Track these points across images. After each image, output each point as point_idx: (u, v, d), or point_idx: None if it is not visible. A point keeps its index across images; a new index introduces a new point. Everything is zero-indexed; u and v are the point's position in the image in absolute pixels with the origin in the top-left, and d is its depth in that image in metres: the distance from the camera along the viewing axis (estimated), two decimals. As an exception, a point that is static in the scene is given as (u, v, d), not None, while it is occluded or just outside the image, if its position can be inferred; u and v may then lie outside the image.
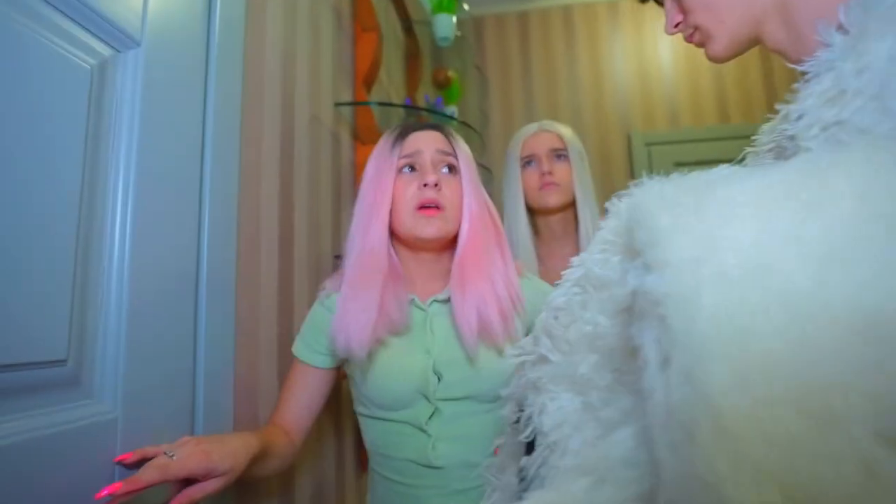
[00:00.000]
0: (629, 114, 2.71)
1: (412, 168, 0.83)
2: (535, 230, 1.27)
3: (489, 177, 2.34)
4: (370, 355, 0.79)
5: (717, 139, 2.60)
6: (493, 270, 0.82)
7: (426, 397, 0.79)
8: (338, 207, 1.42)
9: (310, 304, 1.16)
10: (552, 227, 1.22)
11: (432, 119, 1.81)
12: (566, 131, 1.22)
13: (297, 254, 1.13)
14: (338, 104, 1.39)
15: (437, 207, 0.80)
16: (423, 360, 0.80)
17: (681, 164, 2.60)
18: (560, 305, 0.45)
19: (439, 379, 0.79)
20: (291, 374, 0.86)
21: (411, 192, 0.80)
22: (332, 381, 0.88)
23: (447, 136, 0.86)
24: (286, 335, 1.06)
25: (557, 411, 0.40)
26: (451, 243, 0.86)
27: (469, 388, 0.80)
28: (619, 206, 0.43)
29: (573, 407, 0.39)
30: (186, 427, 0.72)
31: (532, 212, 1.25)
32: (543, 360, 0.44)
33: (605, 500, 0.30)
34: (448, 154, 0.84)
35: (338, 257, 1.37)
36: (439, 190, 0.80)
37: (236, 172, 0.87)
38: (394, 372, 0.79)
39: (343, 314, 0.76)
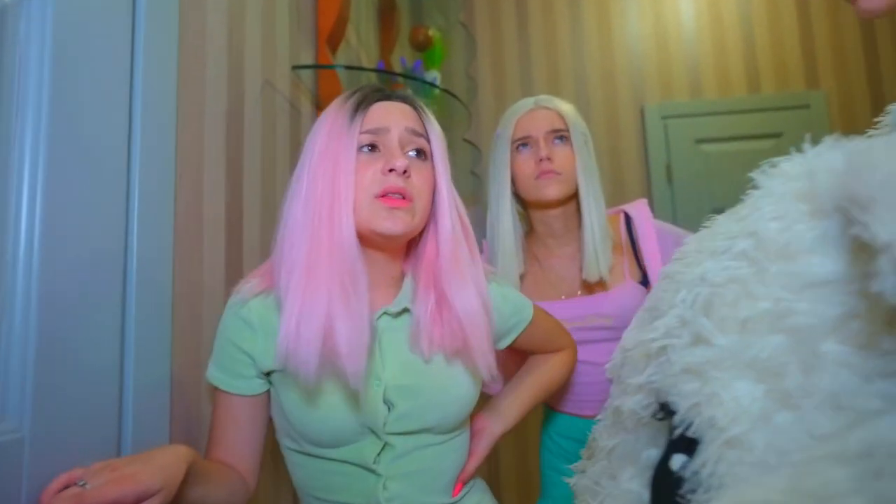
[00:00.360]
0: (643, 83, 2.73)
1: (373, 147, 0.77)
2: (530, 226, 1.26)
3: (477, 156, 2.35)
4: (294, 384, 0.74)
5: (746, 111, 2.63)
6: (472, 276, 0.79)
7: (374, 432, 0.76)
8: (297, 191, 1.41)
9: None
10: (550, 223, 1.20)
11: (408, 87, 1.81)
12: (568, 108, 1.19)
13: (249, 245, 1.12)
14: (296, 67, 1.38)
15: (404, 198, 0.75)
16: (371, 389, 0.76)
17: (703, 141, 2.62)
18: (719, 281, 0.44)
19: (389, 409, 0.76)
20: (215, 408, 0.80)
21: (371, 177, 0.75)
22: (267, 409, 0.82)
23: (418, 111, 0.81)
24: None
25: (732, 402, 0.39)
26: (407, 244, 0.84)
27: (427, 418, 0.79)
28: (797, 169, 0.45)
29: (754, 395, 0.38)
30: (112, 448, 0.71)
31: (525, 205, 1.23)
32: (701, 342, 0.42)
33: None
34: (419, 135, 0.79)
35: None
36: (408, 178, 0.75)
37: (172, 150, 0.86)
38: (335, 404, 0.73)
39: (309, 322, 0.68)
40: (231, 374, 0.78)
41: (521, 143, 1.17)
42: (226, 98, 1.05)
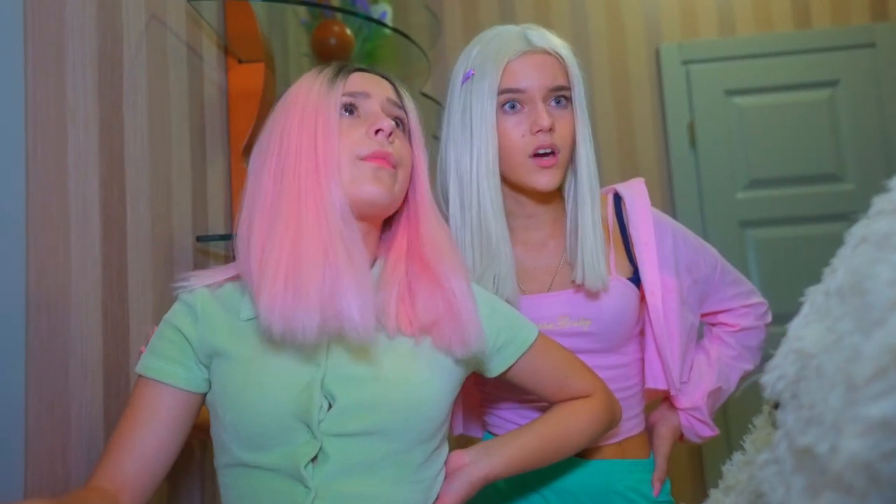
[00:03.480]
0: (659, 16, 2.77)
1: (352, 111, 0.93)
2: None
3: (442, 115, 2.36)
4: (234, 363, 0.86)
5: (792, 53, 2.69)
6: (457, 256, 0.96)
7: (309, 428, 0.83)
8: (201, 159, 1.41)
9: (157, 312, 1.17)
10: (524, 203, 1.19)
11: (348, 26, 1.81)
12: (568, 50, 1.15)
13: (134, 238, 1.13)
14: (195, -1, 1.37)
15: (390, 163, 0.90)
16: (307, 374, 0.85)
17: (736, 93, 2.68)
18: None
19: (331, 404, 0.84)
20: (132, 402, 0.89)
21: (356, 138, 0.90)
22: (192, 416, 0.91)
23: (395, 87, 0.98)
24: (118, 359, 1.06)
25: None
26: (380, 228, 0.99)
27: (371, 417, 0.84)
28: None
29: None
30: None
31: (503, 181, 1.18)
32: None
33: None
34: (398, 106, 0.96)
35: (202, 239, 1.37)
36: (392, 142, 0.91)
37: (19, 112, 0.86)
38: (264, 386, 0.84)
39: (308, 278, 0.81)
40: (166, 360, 0.89)
41: (511, 98, 1.10)
42: (96, 39, 1.04)
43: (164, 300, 1.21)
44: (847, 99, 2.65)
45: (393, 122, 0.92)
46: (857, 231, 0.58)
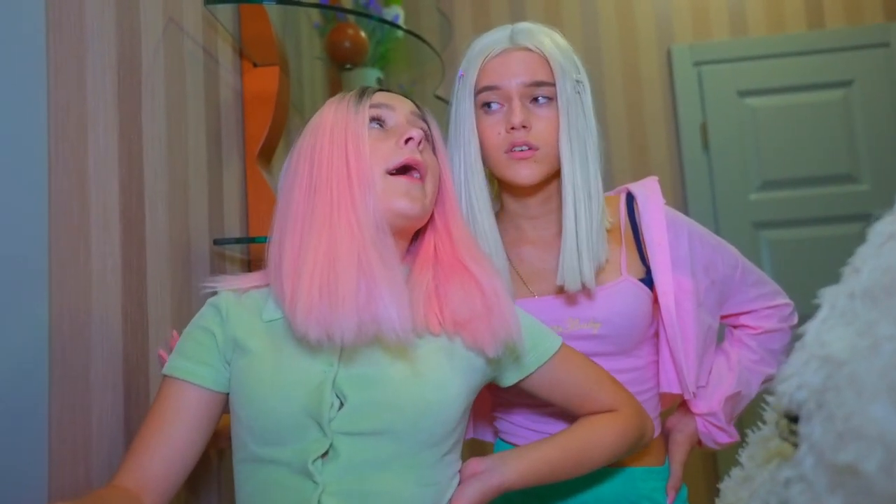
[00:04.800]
0: (671, 17, 2.76)
1: (381, 123, 0.98)
2: (500, 204, 1.24)
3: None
4: (252, 359, 0.90)
5: (805, 53, 2.69)
6: (488, 261, 0.99)
7: (320, 426, 0.85)
8: (217, 163, 1.41)
9: (175, 316, 1.18)
10: (526, 203, 1.18)
11: (362, 29, 1.81)
12: (556, 46, 1.12)
13: (153, 242, 1.13)
14: (211, 2, 1.37)
15: (420, 174, 0.95)
16: (320, 373, 0.88)
17: (748, 94, 2.67)
18: None
19: (342, 403, 0.86)
20: (158, 403, 0.92)
21: (386, 151, 0.94)
22: (216, 418, 0.94)
23: (416, 105, 1.03)
24: (137, 362, 1.06)
25: None
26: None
27: (381, 417, 0.86)
28: None
29: None
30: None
31: (492, 175, 1.20)
32: None
33: None
34: (421, 119, 1.01)
35: (219, 242, 1.37)
36: (422, 151, 0.96)
37: (42, 115, 0.86)
38: (278, 383, 0.87)
39: (344, 283, 0.84)
40: (194, 361, 0.92)
41: (488, 98, 1.11)
42: (115, 43, 1.04)
43: (182, 304, 1.21)
44: (861, 99, 2.63)
45: (422, 132, 0.96)
46: (883, 229, 0.56)
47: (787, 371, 0.58)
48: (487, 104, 1.12)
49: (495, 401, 1.23)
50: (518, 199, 1.18)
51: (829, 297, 0.59)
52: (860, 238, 0.59)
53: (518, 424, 1.18)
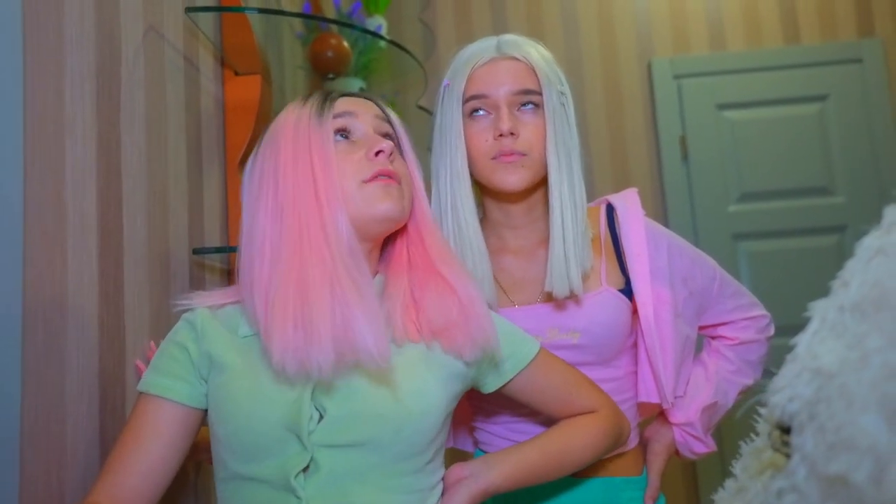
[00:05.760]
0: (651, 31, 2.79)
1: (346, 135, 0.95)
2: (482, 213, 1.24)
3: (439, 126, 2.36)
4: (229, 376, 0.88)
5: (782, 68, 2.72)
6: (461, 265, 0.99)
7: (300, 439, 0.84)
8: (197, 171, 1.40)
9: (153, 326, 1.16)
10: (510, 212, 1.18)
11: (345, 38, 1.80)
12: (542, 57, 1.14)
13: (131, 251, 1.11)
14: (191, 10, 1.36)
15: (395, 179, 0.93)
16: (299, 386, 0.86)
17: (727, 107, 2.70)
18: None
19: (322, 416, 0.85)
20: (133, 419, 0.90)
21: (356, 164, 0.91)
22: (192, 433, 0.93)
23: (381, 107, 1.00)
24: (114, 373, 1.04)
25: None
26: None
27: (368, 428, 0.85)
28: None
29: None
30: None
31: (477, 183, 1.19)
32: None
33: None
34: (385, 121, 0.99)
35: (198, 252, 1.35)
36: (392, 161, 0.94)
37: (18, 123, 0.84)
38: (256, 398, 0.85)
39: (318, 316, 0.82)
40: (169, 376, 0.90)
41: (476, 106, 1.13)
42: (94, 50, 1.03)
43: (161, 313, 1.19)
44: (836, 113, 2.68)
45: (391, 143, 0.94)
46: (870, 243, 0.56)
47: (780, 383, 0.58)
48: (475, 111, 1.13)
49: (475, 410, 1.22)
50: (502, 208, 1.19)
51: (820, 310, 0.59)
52: (836, 249, 0.60)
53: (497, 435, 1.18)
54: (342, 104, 0.95)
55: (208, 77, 1.47)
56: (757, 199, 2.65)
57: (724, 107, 2.71)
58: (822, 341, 0.56)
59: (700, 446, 1.22)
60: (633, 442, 1.18)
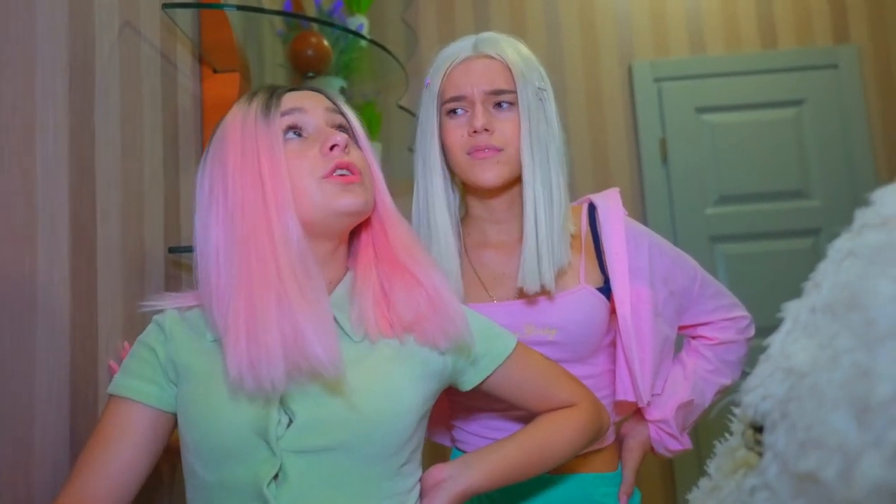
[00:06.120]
0: (632, 34, 2.80)
1: (297, 132, 0.91)
2: (464, 208, 1.25)
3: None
4: (197, 382, 0.87)
5: (759, 72, 2.74)
6: (429, 257, 0.97)
7: (268, 444, 0.82)
8: (173, 169, 1.38)
9: (127, 325, 1.14)
10: (492, 207, 1.19)
11: (325, 37, 1.79)
12: (518, 55, 1.14)
13: (104, 249, 1.09)
14: (169, 6, 1.34)
15: (354, 173, 0.90)
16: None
17: (706, 110, 2.72)
18: None
19: (291, 420, 0.83)
20: (103, 422, 0.88)
21: (311, 161, 0.88)
22: (164, 437, 0.90)
23: (329, 97, 0.97)
24: (86, 373, 1.02)
25: None
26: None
27: (339, 431, 0.83)
28: None
29: None
30: None
31: (457, 180, 1.21)
32: None
33: None
34: (337, 112, 0.95)
35: (174, 250, 1.34)
36: (349, 153, 0.90)
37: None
38: (224, 402, 0.83)
39: (264, 327, 0.81)
40: (138, 379, 0.89)
41: (453, 106, 1.14)
42: (67, 45, 1.01)
43: (135, 313, 1.18)
44: (812, 118, 2.70)
45: (345, 135, 0.91)
46: (842, 245, 0.57)
47: (753, 382, 0.59)
48: (452, 111, 1.14)
49: (454, 409, 1.22)
50: (483, 203, 1.20)
51: (793, 310, 0.60)
52: (811, 252, 0.60)
53: (476, 433, 1.18)
54: (289, 100, 0.92)
55: (186, 74, 1.46)
56: (734, 202, 2.67)
57: (703, 110, 2.72)
58: (794, 341, 0.57)
59: (675, 444, 1.22)
60: (609, 438, 1.18)
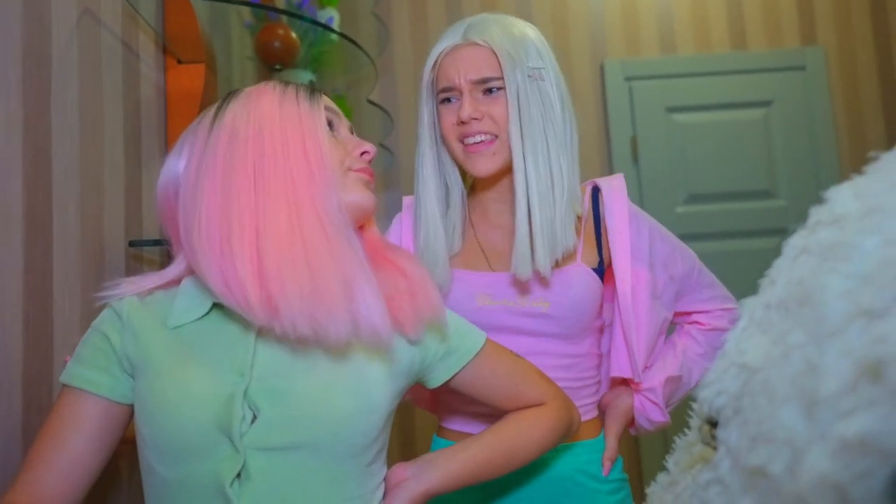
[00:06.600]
0: (603, 32, 2.81)
1: (332, 127, 0.95)
2: (471, 185, 1.27)
3: (389, 125, 2.34)
4: (155, 374, 0.84)
5: (729, 73, 2.77)
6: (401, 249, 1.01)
7: (230, 440, 0.80)
8: (135, 162, 1.35)
9: (85, 321, 1.12)
10: (494, 190, 1.21)
11: (293, 29, 1.77)
12: (504, 35, 1.13)
13: (61, 242, 1.07)
14: (132, -5, 1.31)
15: (372, 178, 0.95)
16: (230, 384, 0.82)
17: (676, 110, 2.74)
18: None
19: (255, 416, 0.82)
20: (55, 413, 0.86)
21: (342, 155, 0.92)
22: (119, 429, 0.88)
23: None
24: (39, 371, 1.00)
25: None
26: None
27: (306, 429, 0.82)
28: None
29: None
30: None
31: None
32: None
33: None
34: (353, 133, 1.01)
35: (135, 244, 1.31)
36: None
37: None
38: (185, 395, 0.82)
39: (326, 282, 0.82)
40: (92, 368, 0.86)
41: (446, 96, 1.16)
42: (21, 34, 0.98)
43: (93, 309, 1.14)
44: (779, 118, 2.74)
45: (376, 148, 0.96)
46: (796, 242, 0.58)
47: (709, 378, 0.59)
48: (447, 99, 1.16)
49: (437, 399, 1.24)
50: (485, 184, 1.22)
51: (748, 307, 0.61)
52: (777, 251, 0.61)
53: (458, 430, 1.18)
54: (328, 101, 0.96)
55: (149, 64, 1.43)
56: (703, 201, 2.69)
57: (673, 109, 2.74)
58: (749, 337, 0.57)
59: (657, 414, 1.22)
60: (587, 414, 1.20)
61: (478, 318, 1.11)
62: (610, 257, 1.18)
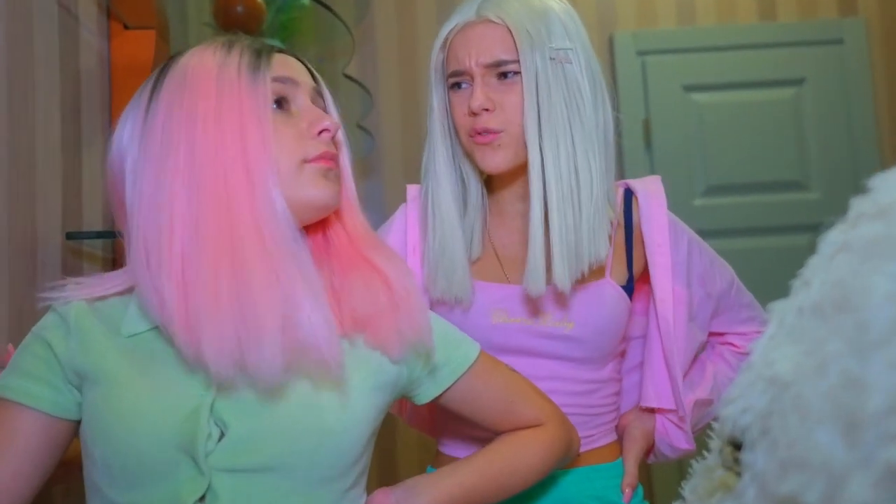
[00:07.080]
0: (613, 3, 2.81)
1: (282, 105, 0.90)
2: (488, 186, 1.25)
3: (367, 102, 2.33)
4: (108, 385, 0.83)
5: (756, 47, 2.78)
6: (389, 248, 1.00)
7: (195, 461, 0.79)
8: (74, 142, 1.35)
9: (14, 324, 1.11)
10: (510, 189, 1.20)
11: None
12: (524, 10, 1.11)
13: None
14: (72, -50, 1.30)
15: (336, 163, 0.92)
16: (195, 397, 0.82)
17: (694, 89, 2.74)
18: None
19: (223, 433, 0.81)
20: None
21: (294, 139, 0.88)
22: (59, 448, 0.87)
23: (311, 71, 0.96)
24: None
25: None
26: None
27: (278, 448, 0.81)
28: None
29: None
30: None
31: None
32: None
33: None
34: (318, 94, 0.95)
35: (73, 236, 1.31)
36: (334, 143, 0.92)
37: None
38: (142, 410, 0.81)
39: (265, 311, 0.80)
40: (30, 379, 0.85)
41: (456, 80, 1.14)
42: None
43: (24, 310, 1.14)
44: (813, 99, 2.74)
45: (337, 122, 0.92)
46: (835, 238, 0.57)
47: (733, 393, 0.59)
48: (456, 84, 1.14)
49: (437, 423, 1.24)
50: (500, 183, 1.21)
51: (778, 312, 0.59)
52: (808, 250, 0.60)
53: (453, 455, 1.18)
54: (280, 66, 0.90)
55: (90, 30, 1.42)
56: (724, 193, 2.70)
57: (691, 88, 2.75)
58: (778, 346, 0.57)
59: (681, 440, 1.22)
60: (602, 439, 1.20)
61: (492, 337, 1.11)
62: (639, 271, 1.18)
